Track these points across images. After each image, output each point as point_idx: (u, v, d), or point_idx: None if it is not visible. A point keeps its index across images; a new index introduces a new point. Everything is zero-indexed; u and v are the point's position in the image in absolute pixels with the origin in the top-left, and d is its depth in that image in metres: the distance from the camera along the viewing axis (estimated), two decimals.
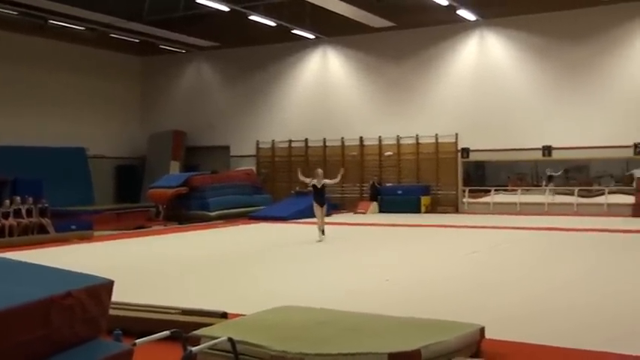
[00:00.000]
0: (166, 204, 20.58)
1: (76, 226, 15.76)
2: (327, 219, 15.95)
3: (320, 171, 14.57)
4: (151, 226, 18.90)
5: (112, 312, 4.16)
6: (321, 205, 14.06)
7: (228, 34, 23.64)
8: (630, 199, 18.99)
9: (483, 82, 21.28)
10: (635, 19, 19.23)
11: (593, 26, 19.73)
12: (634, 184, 19.17)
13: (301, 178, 14.73)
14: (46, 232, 15.19)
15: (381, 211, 21.53)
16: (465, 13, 20.01)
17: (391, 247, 13.11)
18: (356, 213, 21.41)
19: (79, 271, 4.08)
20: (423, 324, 5.40)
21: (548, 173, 20.96)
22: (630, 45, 19.35)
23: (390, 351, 4.46)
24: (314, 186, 14.15)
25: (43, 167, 20.84)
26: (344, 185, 22.74)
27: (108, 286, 3.88)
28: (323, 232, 13.92)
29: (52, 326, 3.37)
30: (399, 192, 21.79)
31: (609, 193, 19.70)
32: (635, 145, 19.10)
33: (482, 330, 5.25)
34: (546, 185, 20.93)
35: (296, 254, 12.16)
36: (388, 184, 22.45)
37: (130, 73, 27.11)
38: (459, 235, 15.10)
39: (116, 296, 4.11)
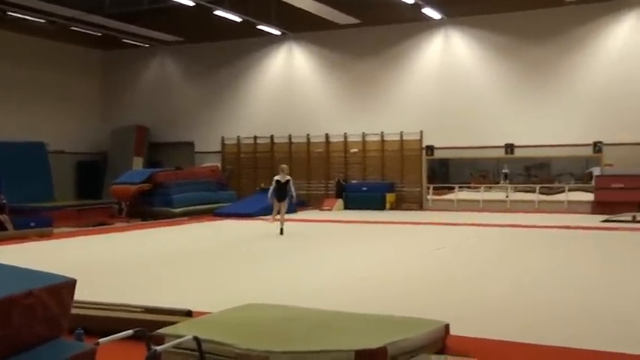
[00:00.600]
0: (129, 200, 20.31)
1: (35, 223, 15.46)
2: (292, 216, 16.01)
3: (284, 166, 14.67)
4: (113, 223, 18.62)
5: (74, 311, 4.08)
6: (280, 201, 14.14)
7: (193, 29, 23.43)
8: (589, 197, 19.38)
9: (448, 81, 21.49)
10: (597, 19, 19.60)
11: (555, 26, 20.05)
12: (593, 181, 19.55)
13: (270, 194, 14.50)
14: (5, 229, 14.86)
15: (347, 207, 21.60)
16: (430, 12, 20.15)
17: (357, 243, 13.14)
18: (322, 210, 21.44)
19: (39, 269, 3.99)
20: (389, 321, 5.41)
21: (504, 171, 21.27)
22: (592, 45, 19.72)
23: (357, 348, 4.45)
24: (277, 181, 14.24)
25: (1, 163, 20.41)
26: (310, 182, 22.76)
27: (70, 284, 3.80)
28: (282, 230, 14.03)
29: (12, 326, 3.29)
30: (365, 189, 21.88)
31: (569, 190, 20.08)
32: (595, 144, 19.49)
33: (447, 327, 5.29)
34: (505, 182, 21.23)
35: (262, 251, 12.11)
36: (353, 181, 22.53)
37: (92, 67, 26.67)
38: (423, 232, 15.22)
39: (78, 295, 4.03)
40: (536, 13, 20.11)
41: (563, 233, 14.35)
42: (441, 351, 5.13)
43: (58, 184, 23.37)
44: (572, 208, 19.49)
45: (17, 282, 3.61)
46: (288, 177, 14.34)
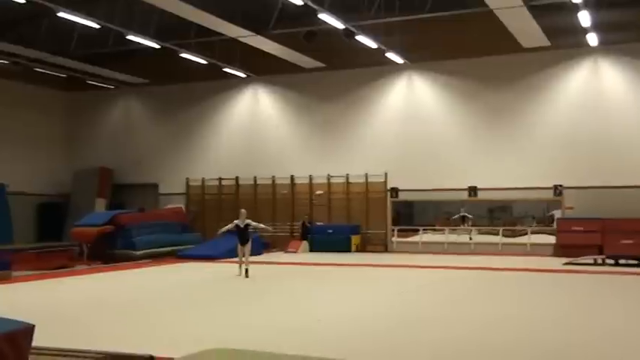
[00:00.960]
0: (91, 243, 19.96)
1: None
2: (257, 258, 16.05)
3: (243, 211, 15.29)
4: (74, 266, 18.24)
5: (31, 358, 3.98)
6: (243, 244, 14.62)
7: (158, 71, 23.49)
8: (551, 239, 19.66)
9: (412, 123, 21.79)
10: (556, 65, 20.18)
11: (515, 72, 20.58)
12: (554, 224, 19.87)
13: (222, 230, 15.48)
14: None
15: (312, 250, 21.53)
16: (393, 56, 20.53)
17: (322, 286, 13.09)
18: (287, 252, 21.33)
19: None
20: None
21: (462, 214, 21.54)
22: (550, 91, 20.25)
23: None
24: (237, 225, 14.75)
25: None
26: (275, 224, 22.69)
27: (28, 330, 3.71)
28: (247, 272, 14.28)
29: None
30: (330, 231, 21.87)
31: (532, 233, 20.35)
32: (555, 187, 19.87)
33: None
34: (463, 225, 21.49)
35: (225, 294, 11.98)
36: (319, 223, 22.52)
37: (56, 108, 26.44)
38: (388, 274, 15.24)
39: (37, 341, 3.94)
40: (497, 59, 20.65)
41: (526, 276, 14.49)
42: None
43: (18, 226, 22.88)
44: (535, 250, 19.73)
45: None
46: (248, 220, 14.82)
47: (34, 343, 3.82)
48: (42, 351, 5.83)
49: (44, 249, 20.23)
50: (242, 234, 14.65)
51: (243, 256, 14.60)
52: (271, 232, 22.74)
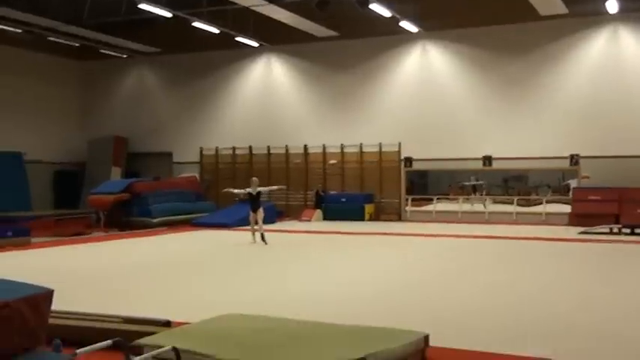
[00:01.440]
0: (107, 210, 20.16)
1: (12, 232, 15.25)
2: (271, 226, 16.25)
3: (255, 179, 15.47)
4: (91, 233, 18.47)
5: (51, 321, 4.05)
6: (254, 211, 14.88)
7: (171, 40, 23.38)
8: (567, 209, 19.58)
9: (426, 93, 21.63)
10: (573, 34, 19.88)
11: (532, 40, 20.31)
12: (570, 194, 19.77)
13: (232, 191, 16.09)
14: None
15: (325, 218, 21.60)
16: (407, 25, 20.31)
17: (336, 254, 13.16)
18: (300, 220, 21.42)
19: (16, 279, 3.96)
20: (368, 332, 5.42)
21: (472, 182, 21.47)
22: (567, 59, 19.99)
23: (337, 359, 4.46)
24: (249, 194, 15.01)
25: None
26: (288, 192, 22.76)
27: (47, 295, 3.77)
28: (263, 237, 14.55)
29: None
30: (343, 200, 21.91)
31: (547, 202, 20.28)
32: (572, 157, 19.72)
33: (426, 338, 5.31)
34: (474, 194, 21.44)
35: (239, 262, 12.09)
36: (332, 192, 22.55)
37: (70, 78, 26.48)
38: (402, 243, 15.27)
39: (56, 305, 4.01)
40: (513, 27, 20.37)
41: (541, 245, 14.48)
42: None
43: (36, 193, 23.11)
44: (550, 219, 19.67)
45: None
46: (259, 188, 15.08)
47: (53, 307, 3.89)
48: (61, 315, 5.94)
49: (62, 216, 20.43)
50: (254, 201, 14.90)
51: (256, 223, 14.80)
52: (285, 202, 22.95)
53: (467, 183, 21.53)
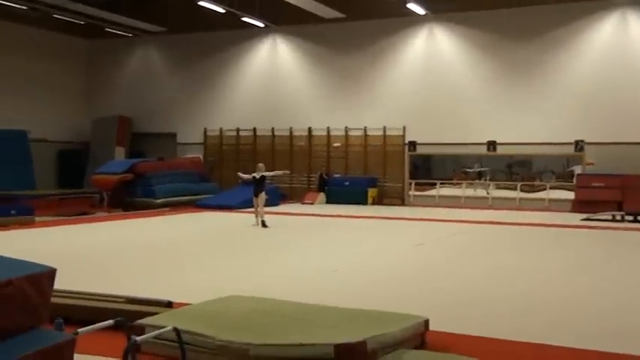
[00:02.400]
0: (111, 190, 20.20)
1: (16, 211, 15.30)
2: (274, 209, 16.33)
3: (261, 165, 15.63)
4: (94, 213, 18.53)
5: (53, 300, 4.07)
6: (256, 195, 15.02)
7: (177, 20, 23.31)
8: (570, 195, 19.55)
9: (431, 77, 21.54)
10: (581, 19, 19.74)
11: (540, 25, 20.17)
12: (574, 180, 19.74)
13: (241, 175, 16.26)
14: None
15: (329, 201, 21.62)
16: (414, 7, 20.19)
17: (339, 237, 13.18)
18: (303, 203, 21.44)
19: (19, 257, 3.97)
20: (369, 315, 5.45)
21: (477, 169, 21.42)
22: (576, 44, 19.86)
23: (336, 342, 4.48)
24: (254, 177, 15.22)
25: None
26: (292, 175, 22.76)
27: (50, 273, 3.79)
28: (264, 222, 14.60)
29: None
30: (347, 183, 21.91)
31: (550, 188, 20.25)
32: (576, 143, 19.66)
33: (426, 322, 5.33)
34: (479, 180, 21.40)
35: (242, 244, 12.12)
36: (336, 175, 22.55)
37: (75, 56, 26.42)
38: (405, 227, 15.29)
39: (58, 284, 4.02)
40: (520, 10, 20.22)
41: (543, 231, 14.48)
42: (421, 346, 5.18)
43: (40, 172, 23.15)
44: (553, 205, 19.65)
45: None
46: (264, 173, 15.29)
47: (55, 286, 3.91)
48: (63, 294, 5.97)
49: (66, 195, 20.51)
50: (257, 185, 15.04)
51: (258, 206, 14.91)
52: (288, 184, 22.96)
53: (470, 169, 21.49)
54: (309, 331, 4.87)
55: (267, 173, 15.52)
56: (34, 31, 23.88)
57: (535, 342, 5.41)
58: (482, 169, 21.41)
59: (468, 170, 21.54)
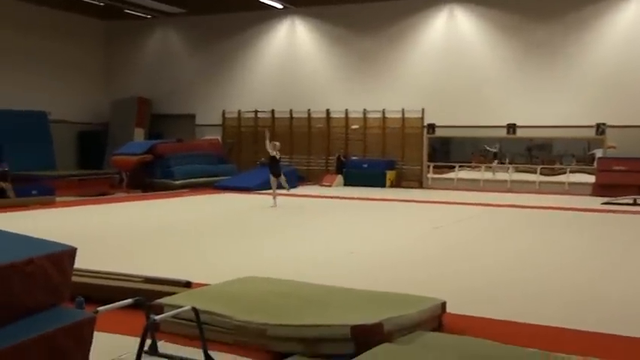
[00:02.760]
0: (130, 171, 20.34)
1: (37, 191, 15.48)
2: (292, 191, 16.33)
3: (277, 144, 15.20)
4: (114, 193, 18.68)
5: (74, 279, 4.12)
6: (277, 176, 14.89)
7: (196, 1, 23.25)
8: (591, 179, 19.37)
9: (451, 59, 21.35)
10: (602, 0, 19.44)
11: (563, 5, 19.89)
12: (595, 163, 19.54)
13: (268, 146, 15.04)
14: (7, 196, 14.91)
15: (347, 184, 21.61)
16: None
17: (356, 220, 13.19)
18: (321, 185, 21.46)
19: (40, 237, 4.01)
20: (386, 297, 5.45)
21: (493, 150, 21.29)
22: (599, 26, 19.56)
23: (353, 323, 4.50)
24: (272, 157, 14.89)
25: (3, 131, 20.42)
26: (310, 157, 22.77)
27: (70, 252, 3.83)
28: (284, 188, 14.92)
29: (13, 293, 3.32)
30: (365, 166, 21.88)
31: (571, 172, 20.07)
32: (598, 126, 19.44)
33: (443, 304, 5.32)
34: (495, 162, 21.26)
35: (260, 225, 12.17)
36: (354, 158, 22.51)
37: (94, 38, 26.52)
38: (423, 209, 15.26)
39: (79, 263, 4.06)
40: None
41: (563, 214, 14.38)
42: (438, 329, 5.18)
43: (60, 153, 23.37)
44: (573, 189, 19.49)
45: (18, 249, 3.64)
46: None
47: (75, 265, 3.95)
48: (83, 273, 6.04)
49: (86, 176, 20.69)
50: (274, 166, 14.94)
51: (278, 187, 15.01)
52: (306, 167, 22.98)
53: (489, 148, 21.33)
54: (326, 313, 4.89)
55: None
56: (54, 12, 23.98)
57: (553, 325, 5.39)
58: (494, 150, 21.24)
59: (488, 149, 21.35)
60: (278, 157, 14.97)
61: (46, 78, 23.85)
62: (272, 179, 15.00)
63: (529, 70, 20.33)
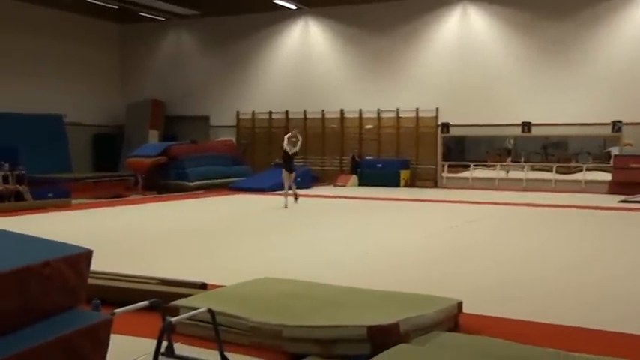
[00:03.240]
0: (145, 173, 20.44)
1: (53, 194, 15.60)
2: (306, 191, 16.33)
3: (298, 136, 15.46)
4: (129, 196, 18.78)
5: (90, 281, 4.13)
6: (291, 172, 15.04)
7: (210, 3, 23.35)
8: (607, 177, 19.22)
9: (465, 57, 21.27)
10: None
11: (576, 2, 19.76)
12: (611, 161, 19.38)
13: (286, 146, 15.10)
14: (23, 199, 15.03)
15: (361, 184, 21.58)
16: None
17: (371, 220, 13.16)
18: (336, 186, 21.44)
19: (57, 239, 4.03)
20: (402, 298, 5.43)
21: (509, 146, 21.18)
22: (612, 22, 19.42)
23: (369, 324, 4.48)
24: (285, 152, 14.96)
25: (20, 134, 20.59)
26: (324, 158, 22.77)
27: (87, 255, 3.84)
28: (296, 197, 14.97)
29: (30, 295, 3.34)
30: (379, 165, 21.84)
31: (587, 170, 19.92)
32: (614, 123, 19.28)
33: (459, 304, 5.30)
34: (507, 159, 21.14)
35: (275, 226, 12.17)
36: (368, 158, 22.48)
37: (109, 41, 26.69)
38: (437, 209, 15.20)
39: (95, 265, 4.08)
40: None
41: (579, 213, 14.27)
42: (454, 329, 5.15)
43: (76, 156, 23.55)
44: (590, 188, 19.35)
45: (35, 252, 3.66)
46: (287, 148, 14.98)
47: (92, 268, 3.96)
48: (99, 275, 6.07)
49: (101, 178, 20.82)
50: (290, 162, 15.08)
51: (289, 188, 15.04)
52: (320, 167, 22.97)
53: (508, 145, 21.21)
54: (341, 313, 4.88)
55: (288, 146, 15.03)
56: (69, 15, 24.18)
57: (570, 325, 5.35)
58: (509, 146, 21.14)
59: (509, 145, 21.20)
60: (290, 152, 14.93)
61: (62, 81, 24.04)
62: (288, 175, 15.00)
63: (543, 68, 20.21)
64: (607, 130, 19.46)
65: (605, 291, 6.72)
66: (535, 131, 20.43)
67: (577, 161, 20.46)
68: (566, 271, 7.80)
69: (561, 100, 19.83)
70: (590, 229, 11.85)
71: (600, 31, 19.53)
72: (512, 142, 21.18)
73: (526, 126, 20.44)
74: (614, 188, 18.41)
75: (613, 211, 14.51)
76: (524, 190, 19.88)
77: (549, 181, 20.11)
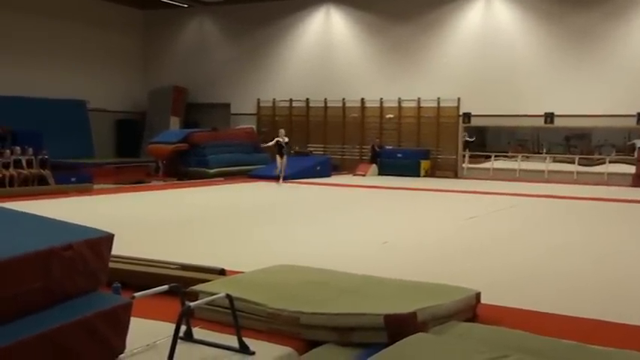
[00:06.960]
0: (166, 160, 20.57)
1: (76, 178, 15.78)
2: (325, 180, 16.57)
3: (282, 131, 18.56)
4: (150, 181, 18.92)
5: (111, 265, 4.18)
6: (282, 156, 18.05)
7: None
8: (631, 169, 18.99)
9: (487, 47, 21.06)
10: None
11: None
12: (635, 153, 19.14)
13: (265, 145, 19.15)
14: (46, 183, 15.24)
15: (381, 173, 21.54)
16: None
17: (390, 209, 13.14)
18: (355, 175, 21.42)
19: (79, 223, 4.08)
20: (419, 287, 5.43)
21: (469, 139, 21.10)
22: (636, 13, 19.10)
23: (386, 312, 4.49)
24: (278, 142, 18.06)
25: (43, 119, 20.79)
26: (344, 147, 22.75)
27: (108, 239, 3.89)
28: (279, 179, 17.74)
29: (52, 277, 3.39)
30: (399, 155, 21.76)
31: (610, 162, 19.70)
32: (638, 115, 19.01)
33: (478, 295, 5.28)
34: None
35: (293, 214, 12.20)
36: (388, 147, 22.40)
37: (132, 27, 26.80)
38: (458, 200, 15.13)
39: (116, 250, 4.13)
40: None
41: (601, 205, 14.13)
42: (472, 319, 5.14)
43: (98, 141, 23.75)
44: (612, 180, 19.13)
45: (58, 235, 3.71)
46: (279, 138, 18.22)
47: (112, 252, 4.01)
48: (120, 259, 6.14)
49: (123, 164, 20.99)
50: (281, 148, 18.00)
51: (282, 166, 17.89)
52: (340, 156, 22.95)
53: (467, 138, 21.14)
54: (359, 302, 4.89)
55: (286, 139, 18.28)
56: (93, 1, 24.29)
57: (590, 317, 5.31)
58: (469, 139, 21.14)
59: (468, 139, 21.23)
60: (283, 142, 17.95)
61: (86, 67, 24.20)
62: (281, 159, 17.95)
63: (567, 59, 19.96)
64: (632, 122, 19.19)
65: (626, 284, 6.66)
66: (558, 122, 20.21)
67: (600, 153, 20.22)
68: (587, 263, 7.74)
69: (585, 91, 19.58)
70: (613, 223, 11.73)
71: (624, 21, 19.22)
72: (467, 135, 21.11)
73: (549, 117, 20.22)
74: (638, 181, 18.18)
75: (637, 204, 14.33)
76: (546, 181, 19.71)
77: (571, 172, 19.90)
